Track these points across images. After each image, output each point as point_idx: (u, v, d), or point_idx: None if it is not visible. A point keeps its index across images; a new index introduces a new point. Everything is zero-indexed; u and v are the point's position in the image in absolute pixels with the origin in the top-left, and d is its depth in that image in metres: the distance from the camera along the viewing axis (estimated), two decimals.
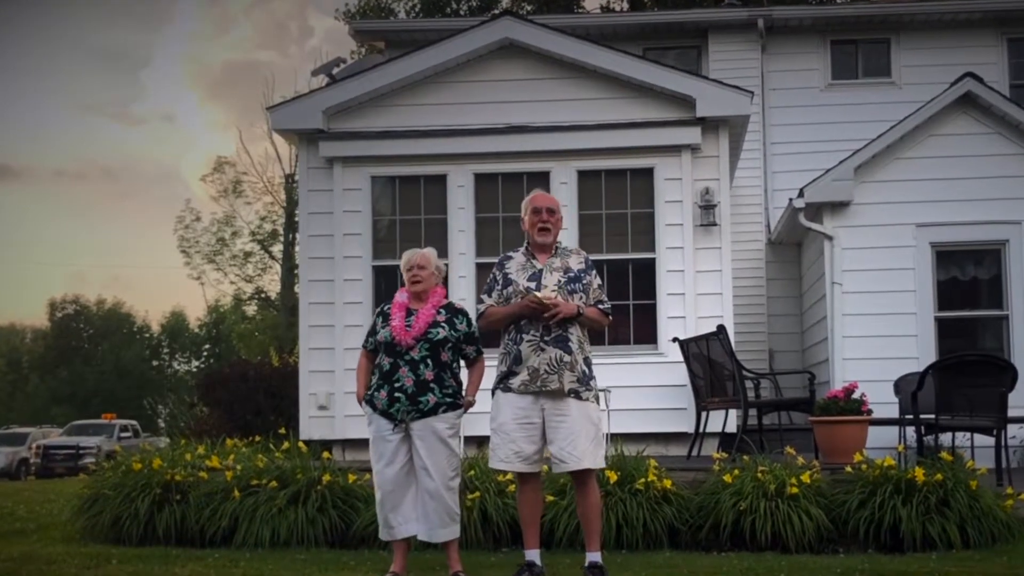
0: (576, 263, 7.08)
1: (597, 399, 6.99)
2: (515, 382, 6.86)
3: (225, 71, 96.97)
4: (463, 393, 7.28)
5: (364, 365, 7.44)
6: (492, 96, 12.63)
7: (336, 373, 12.18)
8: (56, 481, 24.10)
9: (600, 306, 7.05)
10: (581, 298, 6.93)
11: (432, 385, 7.09)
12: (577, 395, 6.83)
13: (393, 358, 7.13)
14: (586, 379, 6.90)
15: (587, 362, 6.96)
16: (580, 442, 6.77)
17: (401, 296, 7.35)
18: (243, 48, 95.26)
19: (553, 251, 7.12)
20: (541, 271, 6.99)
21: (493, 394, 7.02)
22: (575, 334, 6.88)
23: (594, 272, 7.13)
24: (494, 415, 6.97)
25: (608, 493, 8.42)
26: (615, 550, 8.28)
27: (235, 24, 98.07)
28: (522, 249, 7.20)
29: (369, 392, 7.24)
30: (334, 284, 12.52)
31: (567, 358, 6.81)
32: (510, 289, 6.98)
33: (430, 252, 7.40)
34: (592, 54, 12.47)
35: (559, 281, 6.93)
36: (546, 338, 6.80)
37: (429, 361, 7.11)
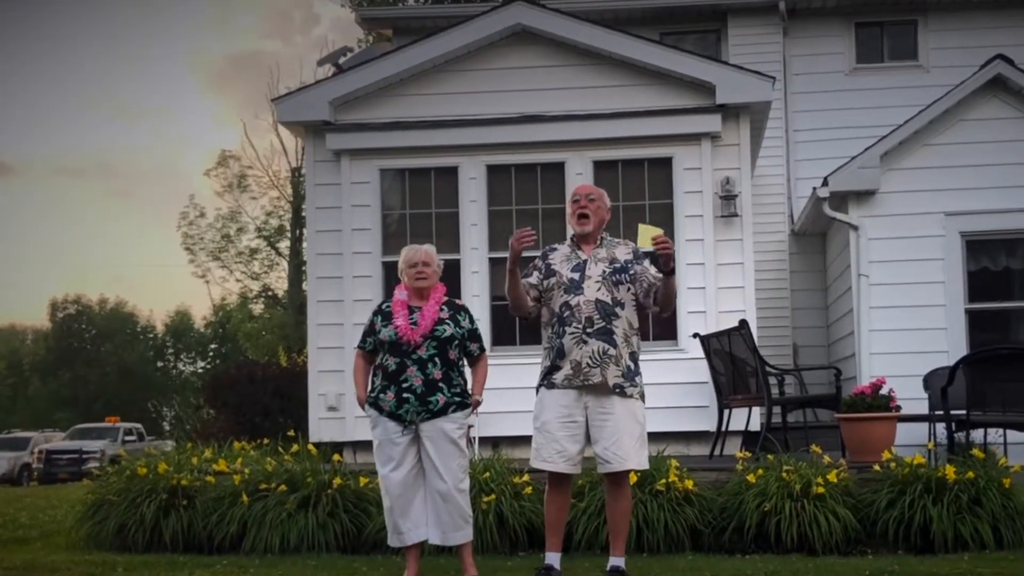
0: (623, 253, 7.07)
1: (643, 396, 6.97)
2: (558, 377, 6.86)
3: (228, 62, 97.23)
4: (470, 392, 7.29)
5: (362, 367, 7.43)
6: (504, 84, 12.62)
7: (346, 373, 12.09)
8: (59, 487, 24.25)
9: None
10: (629, 289, 6.92)
11: (441, 384, 7.10)
12: (622, 391, 6.81)
13: (400, 358, 7.12)
14: (631, 374, 6.88)
15: (633, 357, 6.94)
16: (625, 442, 6.78)
17: (401, 294, 7.34)
18: (246, 38, 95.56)
19: (598, 241, 7.12)
20: (585, 262, 6.99)
21: (537, 391, 7.02)
22: (620, 327, 6.86)
23: (646, 261, 7.11)
24: (537, 413, 6.96)
25: None
26: (636, 553, 8.28)
27: (238, 13, 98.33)
28: (568, 241, 7.21)
29: (373, 394, 7.24)
30: (343, 281, 12.54)
31: (611, 351, 6.80)
32: (553, 280, 6.98)
33: (432, 248, 7.40)
34: (607, 40, 12.45)
35: (603, 272, 6.92)
36: (588, 330, 6.80)
37: (437, 360, 7.12)
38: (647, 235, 6.75)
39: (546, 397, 6.94)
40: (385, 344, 7.18)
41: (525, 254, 6.84)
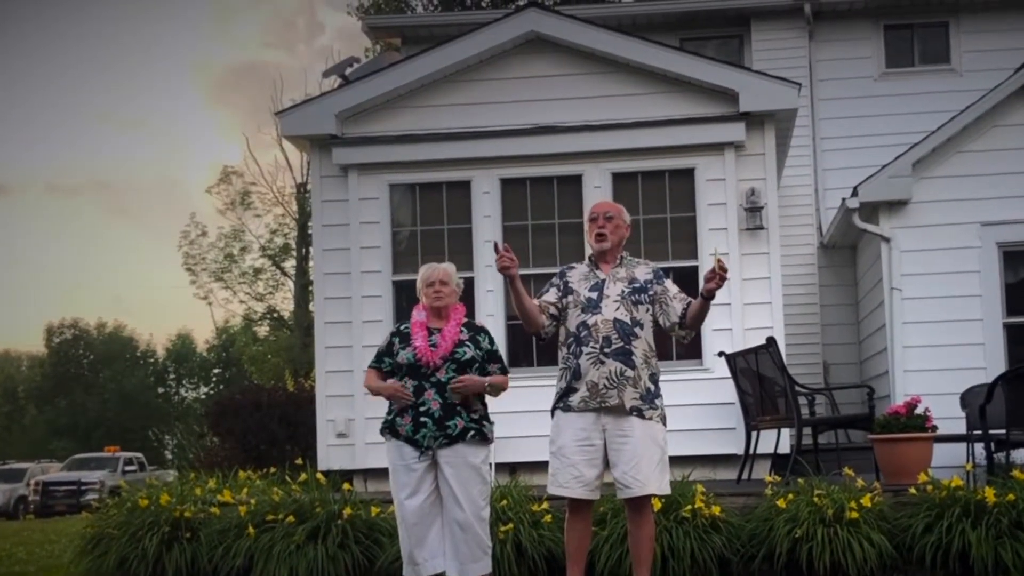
0: (643, 273, 7.11)
1: (664, 420, 6.98)
2: (575, 399, 6.88)
3: (229, 72, 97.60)
4: (490, 419, 7.30)
5: (374, 375, 7.41)
6: (518, 94, 12.65)
7: (356, 398, 12.18)
8: (57, 520, 24.32)
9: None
10: (648, 310, 6.96)
11: (459, 408, 7.12)
12: (640, 413, 6.82)
13: (418, 381, 7.15)
14: (650, 397, 6.90)
15: (653, 379, 6.96)
16: (644, 466, 6.78)
17: (419, 314, 7.37)
18: (248, 47, 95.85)
19: (618, 261, 7.16)
20: (604, 281, 7.03)
21: (553, 414, 7.05)
22: (640, 348, 6.89)
23: (668, 280, 7.15)
24: (554, 437, 6.99)
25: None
26: None
27: (239, 21, 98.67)
28: (586, 259, 7.26)
29: (389, 417, 7.27)
30: (351, 301, 12.56)
31: (629, 372, 6.82)
32: (570, 298, 7.02)
33: (451, 267, 7.43)
34: (625, 46, 12.47)
35: (622, 291, 6.96)
36: (606, 350, 6.82)
37: None
38: (714, 258, 6.76)
39: (562, 420, 6.96)
40: (403, 367, 7.20)
41: (522, 272, 6.84)
